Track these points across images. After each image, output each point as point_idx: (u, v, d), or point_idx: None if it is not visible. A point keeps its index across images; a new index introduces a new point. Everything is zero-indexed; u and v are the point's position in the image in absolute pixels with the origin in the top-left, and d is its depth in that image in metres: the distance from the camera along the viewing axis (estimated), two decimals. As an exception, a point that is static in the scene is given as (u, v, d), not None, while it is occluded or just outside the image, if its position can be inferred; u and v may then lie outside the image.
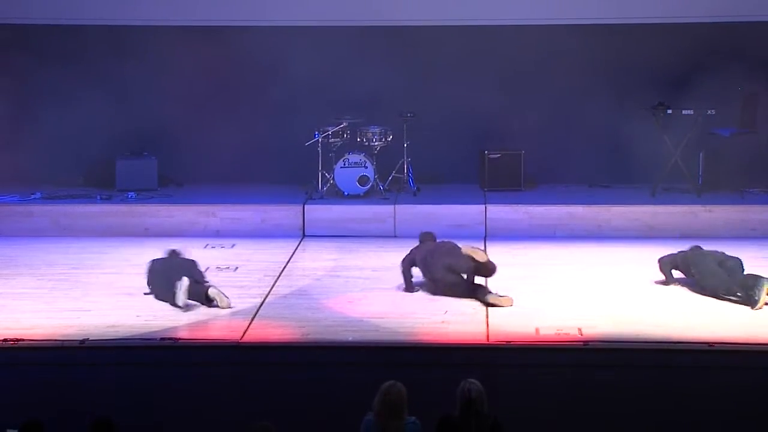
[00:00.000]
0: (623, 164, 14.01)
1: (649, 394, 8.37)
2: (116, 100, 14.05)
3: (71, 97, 14.00)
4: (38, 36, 14.38)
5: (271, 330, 9.70)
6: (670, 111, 13.54)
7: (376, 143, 13.77)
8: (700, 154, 13.80)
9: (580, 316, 9.95)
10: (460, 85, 14.30)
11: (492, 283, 10.74)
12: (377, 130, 13.79)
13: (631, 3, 14.06)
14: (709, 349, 9.10)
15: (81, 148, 14.16)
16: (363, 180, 13.64)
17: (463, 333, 9.58)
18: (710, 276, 10.44)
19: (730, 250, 10.92)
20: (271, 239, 12.87)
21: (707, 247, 10.94)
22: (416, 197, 13.67)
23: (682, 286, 10.76)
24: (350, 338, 9.46)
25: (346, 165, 13.64)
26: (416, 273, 10.81)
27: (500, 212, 13.15)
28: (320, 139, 13.59)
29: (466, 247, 10.53)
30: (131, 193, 13.72)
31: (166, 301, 10.25)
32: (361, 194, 13.64)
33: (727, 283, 10.29)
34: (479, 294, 10.35)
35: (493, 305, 10.18)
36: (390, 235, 13.05)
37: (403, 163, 13.91)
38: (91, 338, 9.32)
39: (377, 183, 13.66)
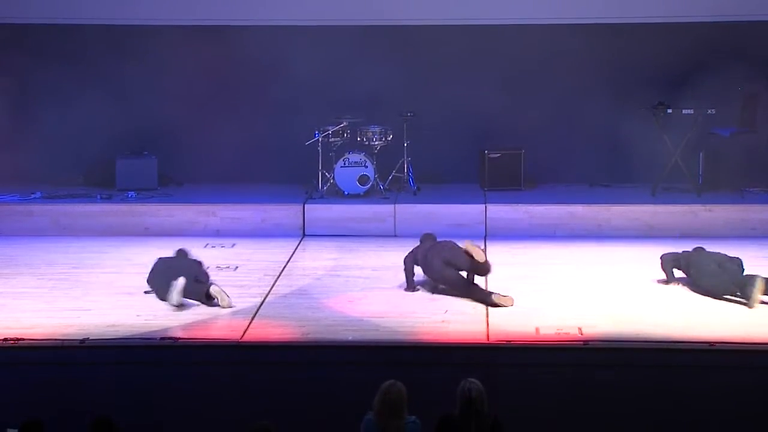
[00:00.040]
0: (623, 164, 14.01)
1: (649, 394, 8.38)
2: (116, 99, 14.04)
3: (71, 97, 14.01)
4: (38, 35, 14.37)
5: (271, 329, 9.70)
6: (670, 110, 13.54)
7: (377, 143, 13.77)
8: (700, 154, 13.79)
9: (580, 315, 9.95)
10: (460, 84, 14.30)
11: (492, 283, 10.75)
12: (377, 129, 13.80)
13: (632, 2, 14.06)
14: (709, 348, 9.10)
15: (81, 147, 14.15)
16: (363, 179, 13.64)
17: (463, 332, 9.58)
18: (708, 276, 10.44)
19: (730, 249, 10.94)
20: (271, 239, 12.87)
21: (707, 246, 10.95)
22: (416, 197, 13.67)
23: (683, 285, 10.76)
24: (350, 337, 9.47)
25: (347, 164, 13.64)
26: (417, 272, 10.82)
27: (500, 212, 13.15)
28: (320, 139, 13.59)
29: (468, 243, 10.52)
30: (131, 193, 13.73)
31: (164, 300, 10.26)
32: (362, 194, 13.64)
33: (724, 283, 10.28)
34: (478, 293, 10.35)
35: (497, 305, 10.18)
36: (390, 234, 13.05)
37: (403, 163, 13.91)
38: (91, 338, 9.33)
39: (377, 182, 13.66)
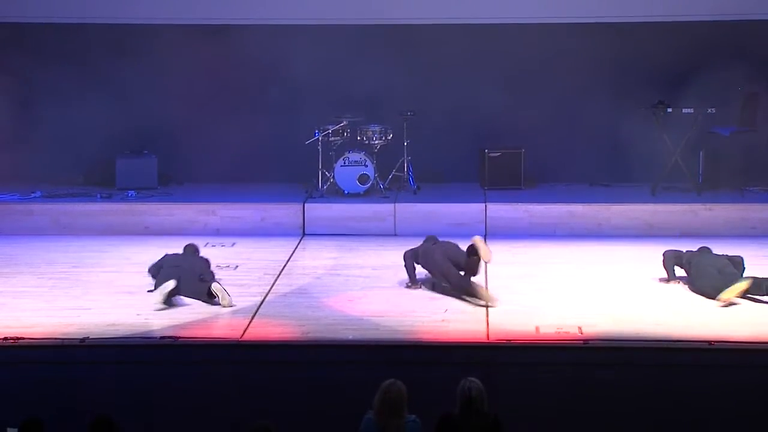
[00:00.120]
0: (623, 163, 14.00)
1: (649, 393, 8.38)
2: (116, 98, 14.04)
3: (71, 96, 14.01)
4: (38, 35, 14.37)
5: (271, 328, 9.70)
6: (670, 110, 13.54)
7: (377, 142, 13.77)
8: (700, 153, 13.79)
9: (580, 314, 9.95)
10: (460, 83, 14.30)
11: (492, 282, 10.77)
12: (377, 128, 13.79)
13: (632, 2, 14.05)
14: (709, 347, 9.10)
15: (81, 146, 14.14)
16: (363, 178, 13.64)
17: (463, 331, 9.58)
18: (705, 278, 10.44)
19: (730, 248, 10.95)
20: (271, 238, 12.87)
21: (708, 245, 10.95)
22: (416, 196, 13.67)
23: (683, 284, 10.76)
24: (350, 337, 9.47)
25: (347, 163, 13.64)
26: (419, 270, 10.83)
27: (500, 211, 13.15)
28: (320, 138, 13.58)
29: (478, 239, 10.50)
30: (131, 192, 13.73)
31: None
32: (362, 193, 13.64)
33: (717, 289, 10.23)
34: (471, 288, 10.31)
35: (485, 301, 10.15)
36: (390, 233, 13.05)
37: (403, 162, 13.91)
38: (91, 337, 9.33)
39: (377, 181, 13.66)
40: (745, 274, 10.44)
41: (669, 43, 14.00)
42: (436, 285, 10.70)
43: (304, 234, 13.09)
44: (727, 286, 10.15)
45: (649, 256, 11.44)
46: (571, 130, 14.36)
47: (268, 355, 9.23)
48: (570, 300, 10.42)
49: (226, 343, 9.35)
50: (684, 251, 10.90)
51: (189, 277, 10.43)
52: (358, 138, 13.81)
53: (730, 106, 13.81)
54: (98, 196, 13.60)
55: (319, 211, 13.22)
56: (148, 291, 10.52)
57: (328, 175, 13.67)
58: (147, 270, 10.77)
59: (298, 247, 12.60)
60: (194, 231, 12.93)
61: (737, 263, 10.56)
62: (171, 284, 10.17)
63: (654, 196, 13.49)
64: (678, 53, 13.89)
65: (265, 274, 11.39)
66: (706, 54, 13.74)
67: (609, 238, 12.75)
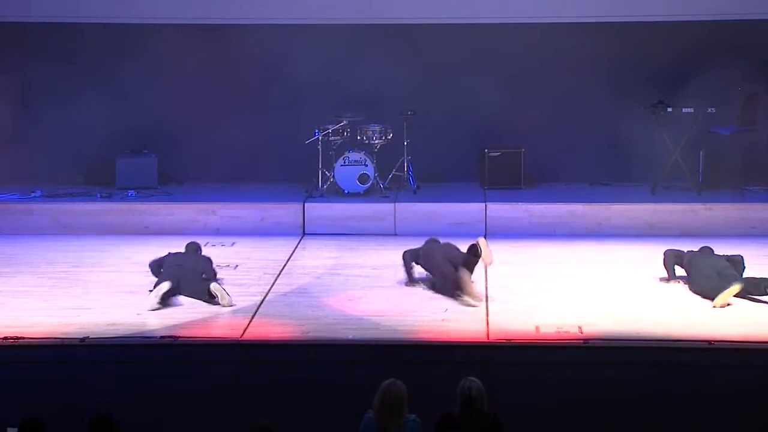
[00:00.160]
0: (623, 162, 14.00)
1: (649, 392, 8.38)
2: (116, 98, 14.04)
3: (71, 95, 14.00)
4: (38, 34, 14.36)
5: (271, 328, 9.70)
6: (670, 109, 13.53)
7: (377, 141, 13.77)
8: (700, 153, 13.79)
9: (580, 314, 9.95)
10: (460, 83, 14.30)
11: (492, 281, 10.77)
12: (377, 128, 13.79)
13: (632, 1, 14.05)
14: (709, 347, 9.10)
15: (81, 146, 14.15)
16: (363, 178, 13.64)
17: (463, 331, 9.58)
18: (703, 279, 10.43)
19: (730, 248, 10.94)
20: (271, 237, 12.87)
21: (709, 245, 10.95)
22: (416, 195, 13.67)
23: (684, 284, 10.76)
24: (350, 336, 9.47)
25: (347, 163, 13.64)
26: (419, 270, 10.83)
27: (500, 210, 13.15)
28: (320, 137, 13.58)
29: (482, 240, 10.51)
30: (131, 191, 13.73)
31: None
32: (362, 192, 13.64)
33: (718, 286, 10.23)
34: (460, 281, 10.30)
35: (471, 298, 10.16)
36: (390, 233, 13.05)
37: (403, 161, 13.91)
38: (91, 336, 9.33)
39: (377, 181, 13.66)
40: (745, 274, 10.45)
41: (669, 43, 13.99)
42: (435, 285, 10.70)
43: (304, 233, 13.09)
44: (723, 284, 10.16)
45: (649, 255, 11.44)
46: (571, 130, 14.37)
47: (268, 354, 9.23)
48: (570, 299, 10.42)
49: (226, 342, 9.35)
50: (685, 251, 10.89)
51: (191, 276, 10.44)
52: (358, 137, 13.81)
53: (730, 105, 13.81)
54: (98, 195, 13.59)
55: (319, 210, 13.22)
56: (149, 291, 10.53)
57: (328, 174, 13.67)
58: (148, 264, 10.78)
59: (298, 246, 12.60)
60: (194, 230, 12.92)
61: (737, 263, 10.56)
62: (165, 286, 10.17)
63: (654, 196, 13.49)
64: (678, 53, 13.88)
65: (265, 273, 11.39)
66: (706, 53, 13.73)
67: (609, 238, 12.74)
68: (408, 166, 13.91)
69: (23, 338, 9.26)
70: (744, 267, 10.53)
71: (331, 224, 13.12)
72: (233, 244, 12.65)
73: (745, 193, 13.48)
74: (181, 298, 10.35)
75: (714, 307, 10.03)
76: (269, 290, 10.81)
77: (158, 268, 10.71)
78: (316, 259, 12.01)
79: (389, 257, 11.59)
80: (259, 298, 10.51)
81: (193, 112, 14.21)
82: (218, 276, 10.82)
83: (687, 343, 9.21)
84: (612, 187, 14.10)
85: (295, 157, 14.01)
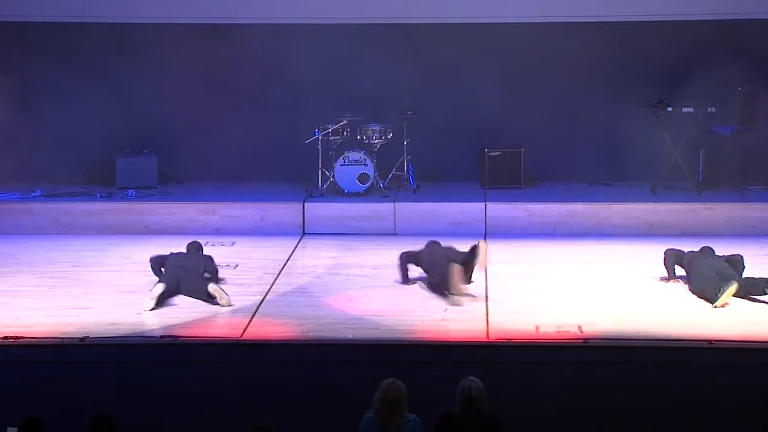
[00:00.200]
0: (623, 162, 14.00)
1: (649, 392, 8.38)
2: (116, 97, 14.04)
3: (71, 95, 14.00)
4: (38, 34, 14.36)
5: (271, 327, 9.70)
6: (670, 109, 13.53)
7: (376, 141, 13.76)
8: (700, 152, 13.79)
9: (580, 313, 9.95)
10: (460, 82, 14.30)
11: (492, 281, 10.77)
12: (377, 127, 13.79)
13: (632, 1, 14.04)
14: (709, 346, 9.10)
15: (81, 145, 14.15)
16: (363, 178, 13.64)
17: (463, 330, 9.58)
18: (702, 279, 10.43)
19: (730, 247, 10.94)
20: (271, 237, 12.87)
21: (707, 244, 10.94)
22: (416, 195, 13.66)
23: (684, 283, 10.76)
24: (350, 336, 9.47)
25: (346, 163, 13.64)
26: (418, 270, 10.83)
27: (500, 210, 13.15)
28: (320, 137, 13.58)
29: (482, 242, 10.52)
30: (131, 191, 13.73)
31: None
32: (361, 192, 13.63)
33: (717, 287, 10.22)
34: (450, 275, 10.31)
35: (457, 297, 10.18)
36: (390, 233, 13.04)
37: (403, 161, 13.90)
38: (91, 336, 9.33)
39: (377, 181, 13.66)
40: (744, 274, 10.45)
41: (669, 42, 13.99)
42: (433, 285, 10.69)
43: (303, 233, 13.09)
44: (722, 284, 10.16)
45: (649, 255, 11.44)
46: (571, 129, 14.36)
47: (268, 354, 9.23)
48: (570, 299, 10.42)
49: (226, 342, 9.35)
50: (686, 251, 10.89)
51: (192, 276, 10.44)
52: (358, 137, 13.81)
53: (730, 105, 13.80)
54: (98, 195, 13.59)
55: (319, 210, 13.22)
56: (150, 291, 10.53)
57: (328, 174, 13.67)
58: (149, 259, 10.81)
59: (298, 246, 12.60)
60: (194, 230, 12.92)
61: (737, 262, 10.55)
62: (159, 288, 10.17)
63: (654, 195, 13.48)
64: (678, 52, 13.89)
65: (264, 273, 11.39)
66: (706, 53, 13.73)
67: (609, 237, 12.74)
68: (408, 165, 13.91)
69: (23, 338, 9.26)
70: (744, 267, 10.53)
71: (331, 224, 13.12)
72: (233, 243, 12.65)
73: (745, 192, 13.48)
74: (181, 298, 10.36)
75: (714, 307, 10.03)
76: (269, 290, 10.81)
77: (158, 266, 10.72)
78: (316, 259, 12.01)
79: (389, 257, 11.58)
80: (259, 298, 10.51)
81: (193, 112, 14.21)
82: (220, 274, 10.82)
83: (687, 342, 9.21)
84: (612, 187, 14.10)
85: (295, 157, 14.01)
